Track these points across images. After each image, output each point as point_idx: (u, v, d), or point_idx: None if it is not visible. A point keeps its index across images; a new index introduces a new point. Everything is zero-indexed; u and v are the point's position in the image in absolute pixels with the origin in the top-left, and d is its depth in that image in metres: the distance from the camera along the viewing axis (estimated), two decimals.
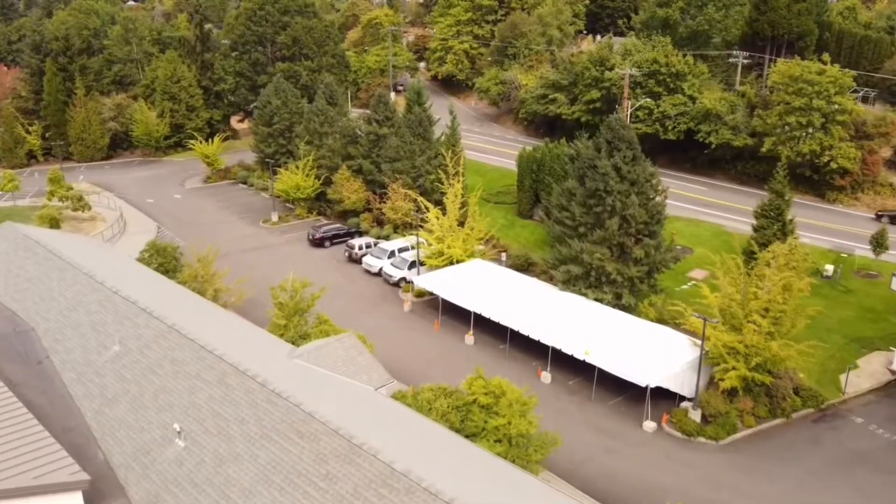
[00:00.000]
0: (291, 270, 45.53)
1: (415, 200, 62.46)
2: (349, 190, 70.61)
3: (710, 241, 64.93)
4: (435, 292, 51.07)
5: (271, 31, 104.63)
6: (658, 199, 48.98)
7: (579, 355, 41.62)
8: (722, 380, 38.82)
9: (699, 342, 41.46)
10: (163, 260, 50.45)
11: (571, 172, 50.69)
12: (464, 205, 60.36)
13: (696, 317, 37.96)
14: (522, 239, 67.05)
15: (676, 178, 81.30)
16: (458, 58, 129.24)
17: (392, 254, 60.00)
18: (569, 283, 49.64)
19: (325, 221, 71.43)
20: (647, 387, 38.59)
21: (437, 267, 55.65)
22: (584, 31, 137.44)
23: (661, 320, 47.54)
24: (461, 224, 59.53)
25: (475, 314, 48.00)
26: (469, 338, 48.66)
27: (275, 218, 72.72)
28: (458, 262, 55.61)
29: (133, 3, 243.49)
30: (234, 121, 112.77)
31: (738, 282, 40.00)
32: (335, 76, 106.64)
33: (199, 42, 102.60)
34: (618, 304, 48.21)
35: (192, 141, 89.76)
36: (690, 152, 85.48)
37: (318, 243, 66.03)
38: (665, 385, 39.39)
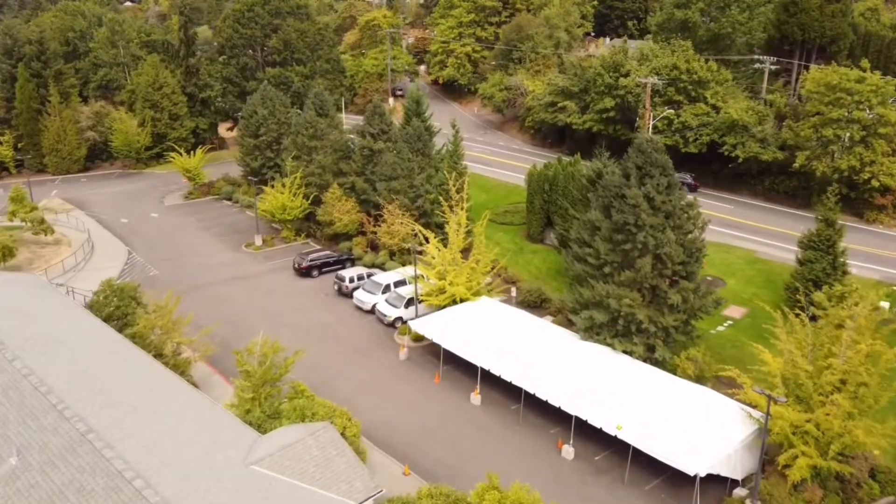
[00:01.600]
0: (261, 331, 37.57)
1: (413, 229, 54.92)
2: (340, 211, 63.13)
3: (743, 271, 57.38)
4: (435, 341, 43.55)
5: (261, 34, 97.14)
6: (696, 233, 41.43)
7: (609, 429, 34.16)
8: (788, 466, 31.30)
9: (754, 413, 34.01)
10: (120, 303, 42.96)
11: (594, 201, 43.15)
12: (468, 233, 52.80)
13: (758, 392, 30.40)
14: (533, 267, 59.50)
15: (698, 194, 73.73)
16: (459, 61, 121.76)
17: (387, 288, 52.48)
18: (591, 332, 42.10)
19: (313, 248, 63.91)
20: (695, 476, 31.13)
21: (438, 306, 48.17)
22: (592, 34, 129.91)
23: (701, 377, 40.05)
24: (465, 251, 52.06)
25: (483, 369, 40.53)
26: (475, 397, 41.14)
27: (258, 242, 65.16)
28: (461, 300, 48.10)
29: (130, 3, 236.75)
30: (222, 129, 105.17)
31: (804, 345, 32.45)
32: (329, 82, 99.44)
33: (183, 46, 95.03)
34: (650, 357, 40.70)
35: (172, 153, 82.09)
36: (712, 166, 78.00)
37: (304, 273, 58.49)
38: (717, 472, 31.91)
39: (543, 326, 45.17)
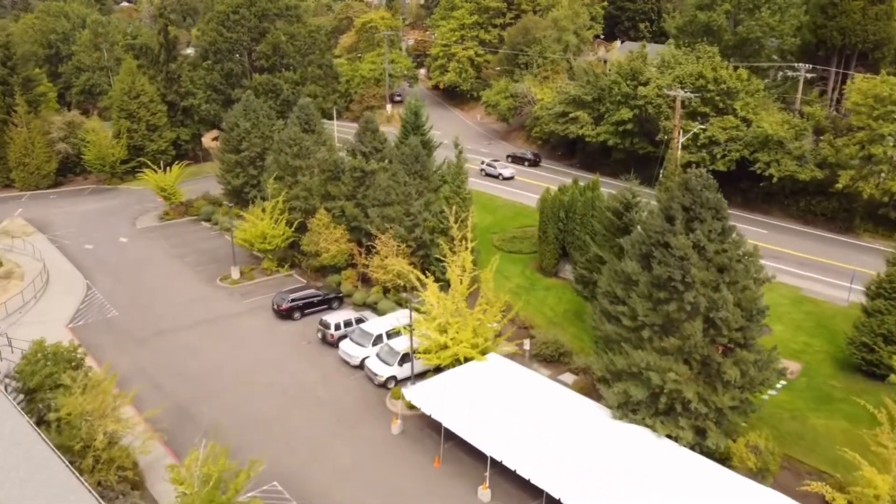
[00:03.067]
0: (203, 442, 28.79)
1: (408, 268, 46.86)
2: (328, 240, 55.12)
3: (789, 314, 49.25)
4: (434, 416, 35.52)
5: (248, 38, 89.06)
6: (756, 288, 33.34)
7: None
8: None
9: None
10: (53, 370, 35.02)
11: (628, 248, 35.05)
12: (473, 282, 44.65)
13: None
14: (548, 308, 51.41)
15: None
16: (461, 66, 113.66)
17: (378, 339, 44.39)
18: (626, 409, 34.07)
19: (296, 284, 55.63)
20: None
21: (439, 367, 40.15)
22: (602, 36, 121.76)
23: (764, 469, 32.06)
24: (473, 294, 44.05)
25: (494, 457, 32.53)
26: (484, 492, 33.14)
27: (235, 274, 57.08)
28: (466, 359, 40.04)
29: (126, 4, 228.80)
30: (207, 138, 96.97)
31: None
32: (321, 88, 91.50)
33: (163, 50, 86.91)
34: (699, 444, 32.69)
35: (145, 170, 73.97)
36: (741, 184, 69.85)
37: (285, 315, 50.44)
38: None
39: (566, 397, 37.03)
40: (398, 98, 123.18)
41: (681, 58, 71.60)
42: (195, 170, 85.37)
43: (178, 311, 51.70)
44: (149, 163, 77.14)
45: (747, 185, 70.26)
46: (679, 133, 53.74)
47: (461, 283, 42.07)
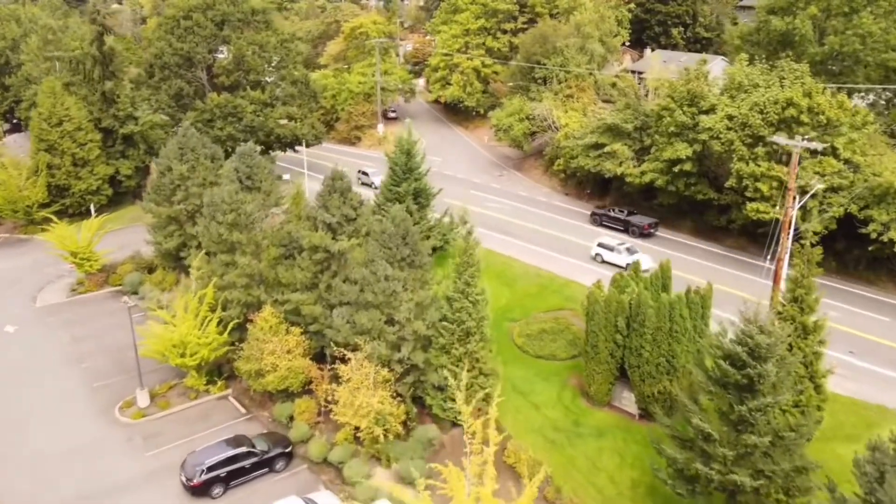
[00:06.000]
0: None
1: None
2: (275, 352, 36.88)
3: None
4: None
5: (204, 49, 70.60)
6: None
7: None
8: None
9: None
10: None
11: (862, 487, 16.93)
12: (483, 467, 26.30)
13: None
14: (604, 475, 32.91)
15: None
16: (466, 78, 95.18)
17: None
18: None
19: (215, 444, 36.57)
20: None
21: None
22: (627, 43, 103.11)
23: None
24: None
25: None
26: None
27: (143, 401, 38.65)
28: None
29: (118, 6, 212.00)
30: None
31: None
32: (297, 109, 73.20)
33: (98, 65, 68.48)
34: None
35: (49, 225, 55.41)
36: (837, 244, 51.73)
37: (199, 491, 32.07)
38: None
39: None
40: (393, 114, 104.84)
41: (757, 78, 53.06)
42: (136, 214, 66.92)
43: (42, 476, 33.40)
44: (51, 217, 58.72)
45: (846, 245, 52.19)
46: (794, 196, 35.53)
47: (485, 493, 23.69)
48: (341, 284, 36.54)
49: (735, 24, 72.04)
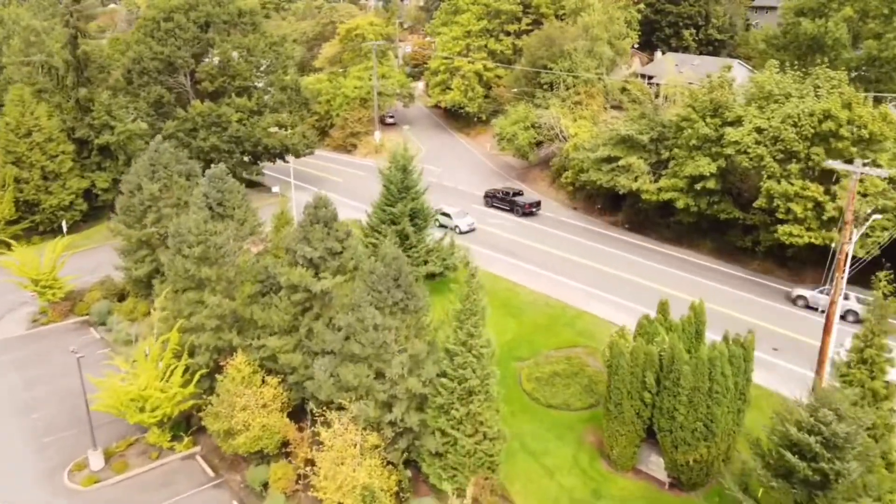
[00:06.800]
0: None
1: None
2: (248, 407, 31.69)
3: None
4: None
5: (186, 53, 65.31)
6: None
7: None
8: None
9: None
10: None
11: None
12: None
13: None
14: None
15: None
16: (467, 82, 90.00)
17: None
18: None
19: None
20: None
21: None
22: (636, 45, 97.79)
23: None
24: None
25: None
26: None
27: (96, 463, 33.37)
28: None
29: (114, 5, 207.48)
30: None
31: None
32: (289, 116, 68.11)
33: (71, 71, 63.26)
34: None
35: (6, 250, 50.18)
36: (879, 271, 46.44)
37: None
38: None
39: None
40: (391, 120, 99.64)
41: (789, 86, 47.77)
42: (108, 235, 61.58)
43: None
44: (8, 241, 53.47)
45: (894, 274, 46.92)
46: (851, 230, 30.34)
47: None
48: (324, 330, 31.36)
49: (748, 26, 66.51)
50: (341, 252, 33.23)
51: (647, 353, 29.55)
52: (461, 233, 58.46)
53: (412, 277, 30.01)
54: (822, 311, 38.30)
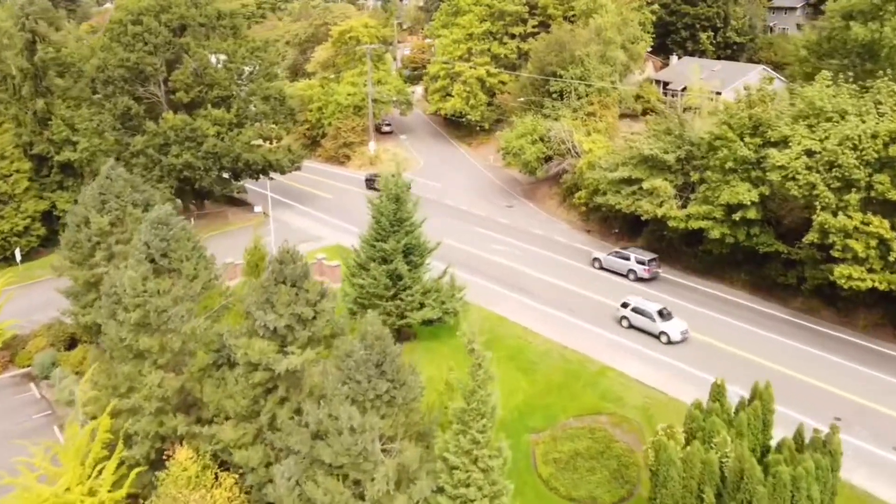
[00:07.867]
0: None
1: None
2: None
3: None
4: None
5: (157, 60, 58.25)
6: None
7: None
8: None
9: None
10: None
11: None
12: None
13: None
14: None
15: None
16: (469, 89, 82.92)
17: None
18: None
19: None
20: None
21: None
22: (649, 49, 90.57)
23: None
24: None
25: None
26: None
27: None
28: None
29: (109, 5, 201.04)
30: None
31: None
32: (276, 125, 61.31)
33: (28, 80, 56.26)
34: None
35: None
36: None
37: None
38: None
39: None
40: (387, 128, 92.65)
41: (844, 102, 40.70)
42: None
43: None
44: None
45: None
46: None
47: None
48: (288, 422, 24.39)
49: (767, 28, 59.48)
50: (314, 318, 26.22)
51: (704, 463, 22.56)
52: (669, 342, 40.85)
53: (400, 361, 22.99)
54: None
